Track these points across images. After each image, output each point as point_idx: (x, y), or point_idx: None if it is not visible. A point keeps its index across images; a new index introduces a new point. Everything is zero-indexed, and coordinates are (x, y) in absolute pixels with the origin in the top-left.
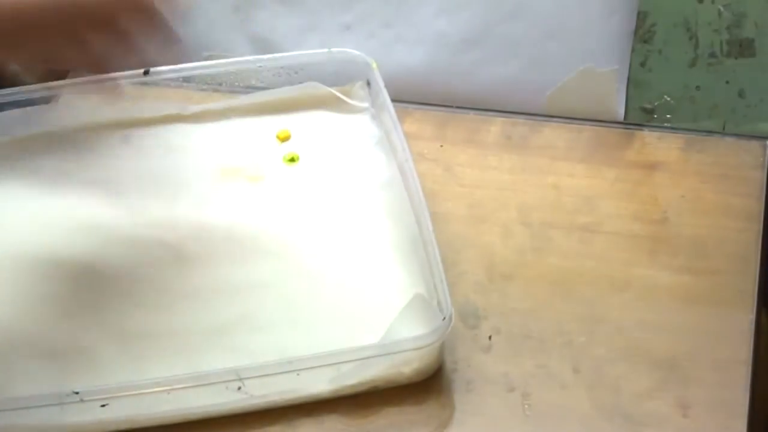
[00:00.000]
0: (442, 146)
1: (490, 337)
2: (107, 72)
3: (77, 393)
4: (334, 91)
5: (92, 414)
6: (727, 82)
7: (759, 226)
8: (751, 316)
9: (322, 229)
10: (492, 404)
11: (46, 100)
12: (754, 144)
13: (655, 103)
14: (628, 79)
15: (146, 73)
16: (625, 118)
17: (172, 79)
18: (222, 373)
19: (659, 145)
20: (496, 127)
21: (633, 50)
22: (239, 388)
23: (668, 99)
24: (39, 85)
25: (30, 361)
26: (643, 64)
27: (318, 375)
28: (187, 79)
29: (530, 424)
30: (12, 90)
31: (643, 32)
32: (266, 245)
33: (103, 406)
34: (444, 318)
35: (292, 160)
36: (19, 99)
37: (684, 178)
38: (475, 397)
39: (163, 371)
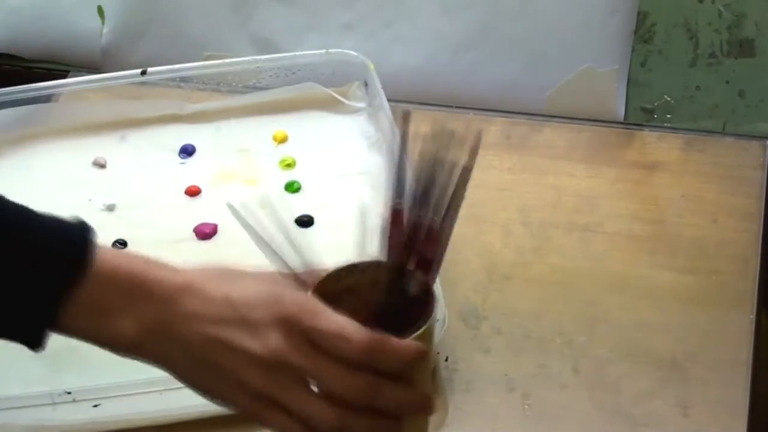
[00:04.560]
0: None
1: (490, 338)
2: None
3: (70, 393)
4: (331, 91)
5: (85, 414)
6: (727, 82)
7: (759, 226)
8: (751, 316)
9: (318, 230)
10: (492, 404)
11: (46, 100)
12: (754, 144)
13: (655, 103)
14: (628, 79)
15: (144, 73)
16: (625, 118)
17: (170, 79)
18: None
19: (659, 145)
20: (496, 127)
21: (633, 50)
22: None
23: (668, 99)
24: (39, 85)
25: (23, 360)
26: (643, 64)
27: None
28: (185, 79)
29: (530, 424)
30: (12, 89)
31: (643, 32)
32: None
33: (95, 406)
34: (437, 320)
35: (289, 165)
36: (19, 98)
37: (684, 178)
38: (474, 396)
39: (155, 372)
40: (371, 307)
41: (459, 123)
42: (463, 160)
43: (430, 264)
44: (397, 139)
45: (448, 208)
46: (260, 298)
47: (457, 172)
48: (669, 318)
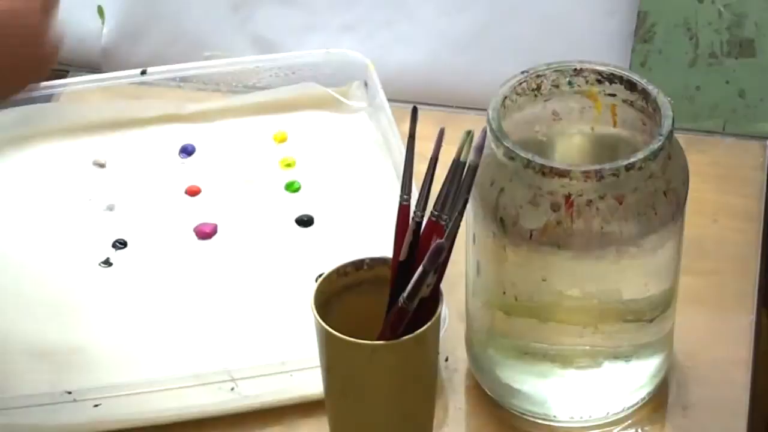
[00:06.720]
0: (442, 146)
1: None
2: None
3: (70, 393)
4: (331, 91)
5: (85, 414)
6: (727, 82)
7: (759, 226)
8: (751, 316)
9: (318, 230)
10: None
11: (46, 100)
12: (754, 144)
13: None
14: None
15: (143, 72)
16: None
17: (170, 79)
18: (215, 374)
19: None
20: None
21: (633, 50)
22: (232, 389)
23: (668, 99)
24: (39, 85)
25: (24, 361)
26: (643, 64)
27: (311, 376)
28: (184, 79)
29: None
30: None
31: (643, 32)
32: (260, 247)
33: (96, 406)
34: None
35: (289, 165)
36: (19, 98)
37: None
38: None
39: (156, 371)
40: (377, 304)
41: (459, 123)
42: (469, 158)
43: None
44: (397, 136)
45: (455, 205)
46: None
47: (464, 170)
48: None
